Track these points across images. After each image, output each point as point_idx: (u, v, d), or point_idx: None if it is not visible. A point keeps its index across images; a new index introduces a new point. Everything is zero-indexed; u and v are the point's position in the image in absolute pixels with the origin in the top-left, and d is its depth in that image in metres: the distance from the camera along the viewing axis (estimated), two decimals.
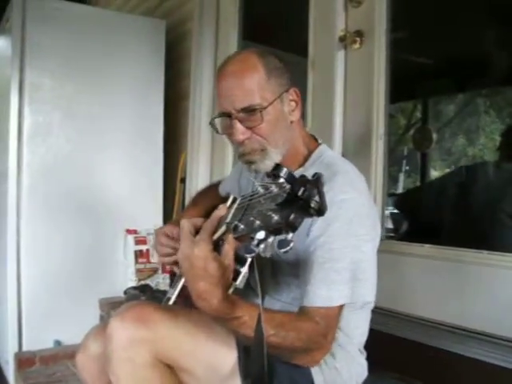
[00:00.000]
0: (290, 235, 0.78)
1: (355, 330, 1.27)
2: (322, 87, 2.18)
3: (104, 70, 2.81)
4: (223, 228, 0.96)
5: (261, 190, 0.84)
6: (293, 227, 0.77)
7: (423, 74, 4.53)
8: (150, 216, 2.89)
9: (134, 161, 2.90)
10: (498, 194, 2.52)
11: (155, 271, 2.80)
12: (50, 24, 2.66)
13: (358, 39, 2.04)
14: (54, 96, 2.67)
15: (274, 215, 0.77)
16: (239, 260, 0.94)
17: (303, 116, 2.20)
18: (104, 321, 2.65)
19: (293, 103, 1.29)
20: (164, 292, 2.40)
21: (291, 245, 0.78)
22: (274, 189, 0.80)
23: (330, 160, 1.29)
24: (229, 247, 0.95)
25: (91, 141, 2.78)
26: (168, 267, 2.64)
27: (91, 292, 2.72)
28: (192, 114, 2.97)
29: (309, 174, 1.24)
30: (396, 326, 1.78)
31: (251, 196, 0.90)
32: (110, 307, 2.61)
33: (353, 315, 1.24)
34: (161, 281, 2.80)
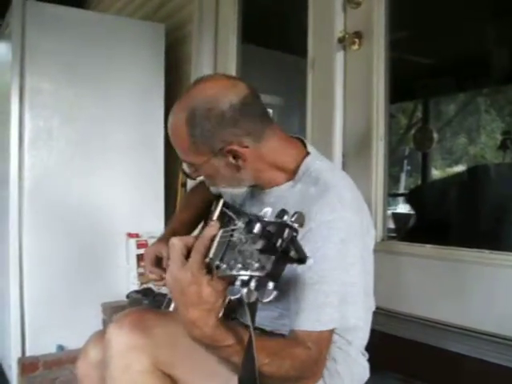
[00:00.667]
0: (271, 285, 0.75)
1: (356, 333, 1.25)
2: (321, 88, 2.18)
3: (104, 74, 2.82)
4: (206, 260, 0.90)
5: (241, 225, 0.81)
6: (274, 277, 0.75)
7: (424, 73, 4.54)
8: (152, 219, 2.89)
9: (135, 165, 2.90)
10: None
11: None
12: (49, 29, 2.66)
13: (357, 40, 2.04)
14: (54, 101, 2.67)
15: (254, 263, 0.74)
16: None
17: (303, 117, 2.22)
18: (105, 326, 2.65)
19: (232, 158, 1.21)
20: (166, 295, 2.40)
21: (274, 294, 0.75)
22: (256, 229, 0.77)
23: (317, 173, 1.23)
24: None
25: (92, 145, 2.78)
26: None
27: (94, 296, 2.71)
28: None
29: (297, 188, 1.24)
30: (397, 327, 1.78)
31: (232, 230, 0.85)
32: (112, 311, 2.61)
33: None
34: None
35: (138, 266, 2.77)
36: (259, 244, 0.75)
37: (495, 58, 3.75)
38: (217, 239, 0.90)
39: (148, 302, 2.44)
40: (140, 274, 2.77)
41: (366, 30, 2.01)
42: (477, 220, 2.58)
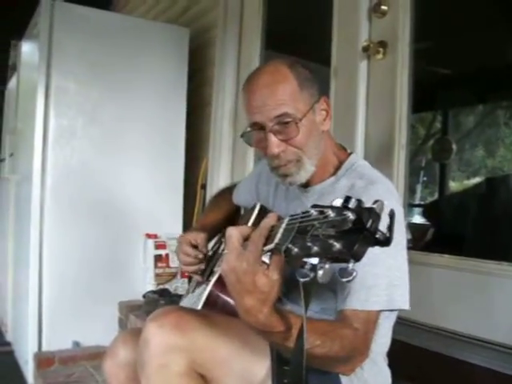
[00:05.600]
0: (351, 264, 0.75)
1: (382, 338, 1.25)
2: (344, 97, 2.19)
3: (128, 75, 2.86)
4: (271, 246, 0.90)
5: (314, 213, 0.80)
6: (356, 257, 0.74)
7: (444, 84, 4.52)
8: (170, 221, 2.93)
9: (155, 165, 2.94)
10: None
11: (174, 276, 2.82)
12: (76, 30, 2.71)
13: (381, 50, 2.04)
14: (78, 100, 2.72)
15: (335, 243, 0.74)
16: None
17: None
18: (122, 324, 2.68)
19: (324, 112, 1.29)
20: (181, 296, 2.42)
21: (354, 274, 0.75)
22: (331, 213, 0.76)
23: (362, 169, 1.29)
24: (278, 260, 0.91)
25: (114, 145, 2.82)
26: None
27: (110, 294, 2.75)
28: (214, 121, 3.00)
29: (341, 183, 1.27)
30: (415, 337, 1.77)
31: (302, 218, 0.84)
32: (128, 310, 2.64)
33: (381, 323, 1.21)
34: (179, 285, 2.82)
35: (156, 266, 2.80)
36: (342, 226, 0.74)
37: None
38: (283, 226, 0.89)
39: (164, 303, 2.46)
40: (157, 275, 2.80)
41: (391, 40, 2.01)
42: (496, 232, 2.57)
